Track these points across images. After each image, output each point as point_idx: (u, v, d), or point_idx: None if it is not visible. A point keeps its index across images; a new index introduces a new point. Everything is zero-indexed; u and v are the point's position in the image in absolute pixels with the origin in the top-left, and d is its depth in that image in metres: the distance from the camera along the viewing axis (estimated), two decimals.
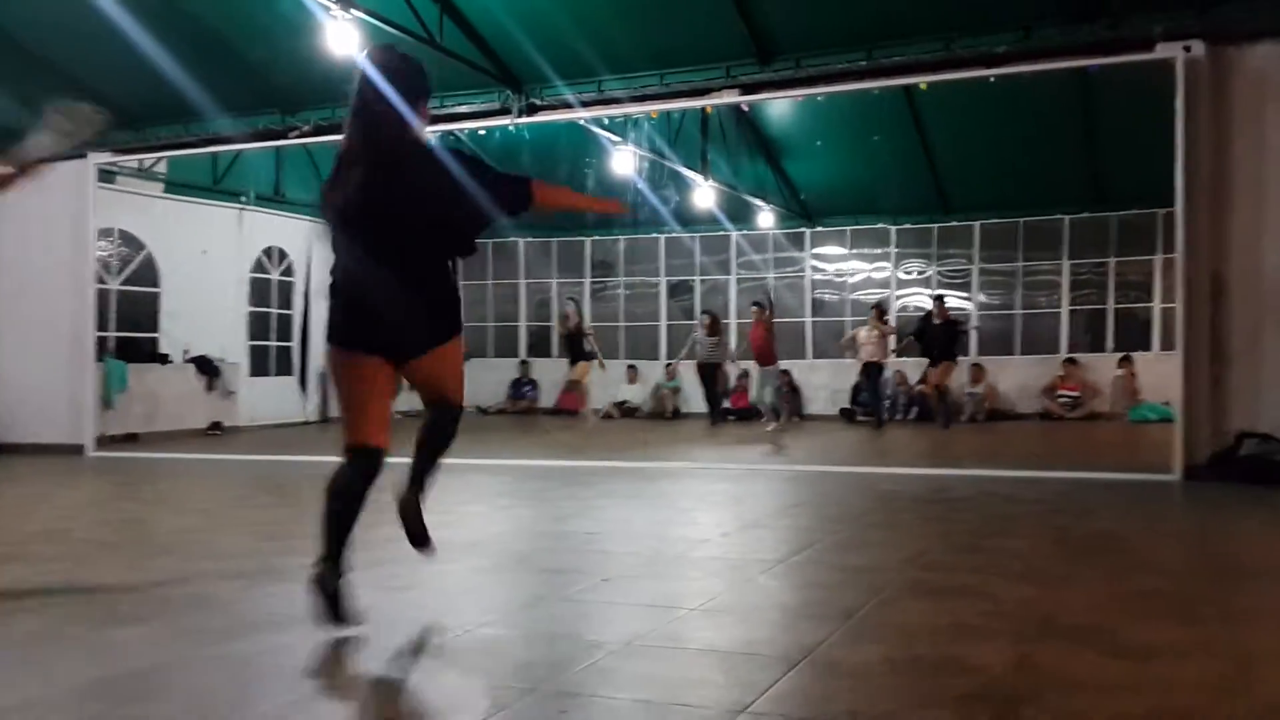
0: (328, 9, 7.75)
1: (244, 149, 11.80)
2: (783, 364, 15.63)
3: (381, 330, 3.32)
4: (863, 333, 13.50)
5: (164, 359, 12.76)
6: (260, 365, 14.38)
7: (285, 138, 10.66)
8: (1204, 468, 7.26)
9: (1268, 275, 7.34)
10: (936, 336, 12.95)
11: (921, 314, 14.16)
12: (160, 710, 2.65)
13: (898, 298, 16.24)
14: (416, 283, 3.36)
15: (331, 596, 3.24)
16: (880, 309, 13.93)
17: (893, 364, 14.56)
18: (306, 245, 14.43)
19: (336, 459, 3.32)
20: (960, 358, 15.12)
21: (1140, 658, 2.95)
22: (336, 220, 3.41)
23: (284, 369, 14.74)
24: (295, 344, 14.62)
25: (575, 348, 13.75)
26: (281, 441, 11.28)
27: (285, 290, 14.60)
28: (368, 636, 3.28)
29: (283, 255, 14.51)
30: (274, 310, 14.52)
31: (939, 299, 13.82)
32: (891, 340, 13.58)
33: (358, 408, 3.35)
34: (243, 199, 13.79)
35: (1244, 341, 7.40)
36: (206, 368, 13.01)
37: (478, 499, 6.84)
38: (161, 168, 12.96)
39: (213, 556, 4.59)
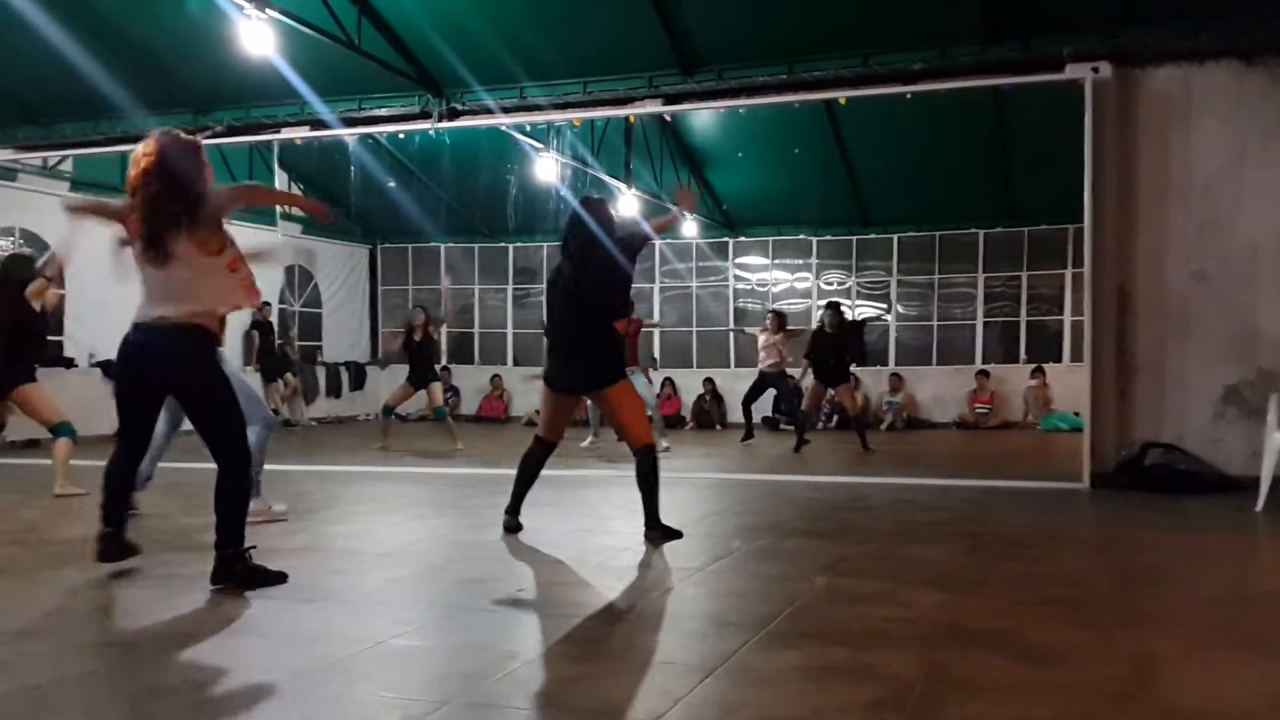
0: (241, 8, 7.58)
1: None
2: (706, 372, 15.78)
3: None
4: (761, 338, 12.34)
5: (69, 363, 12.32)
6: None
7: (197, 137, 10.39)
8: (1111, 476, 7.48)
9: (1171, 290, 7.60)
10: (826, 352, 11.23)
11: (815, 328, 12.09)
12: None
13: (818, 308, 16.45)
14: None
15: (513, 530, 5.35)
16: (778, 316, 12.55)
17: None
18: None
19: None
20: (878, 367, 15.42)
21: (1044, 662, 3.02)
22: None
23: None
24: None
25: (422, 361, 11.10)
26: (191, 447, 10.96)
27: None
28: (276, 650, 3.20)
29: None
30: None
31: (831, 306, 11.74)
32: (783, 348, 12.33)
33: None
34: None
35: (1148, 354, 7.65)
36: (113, 372, 12.60)
37: (393, 508, 6.74)
38: (67, 166, 12.54)
39: (116, 566, 4.43)
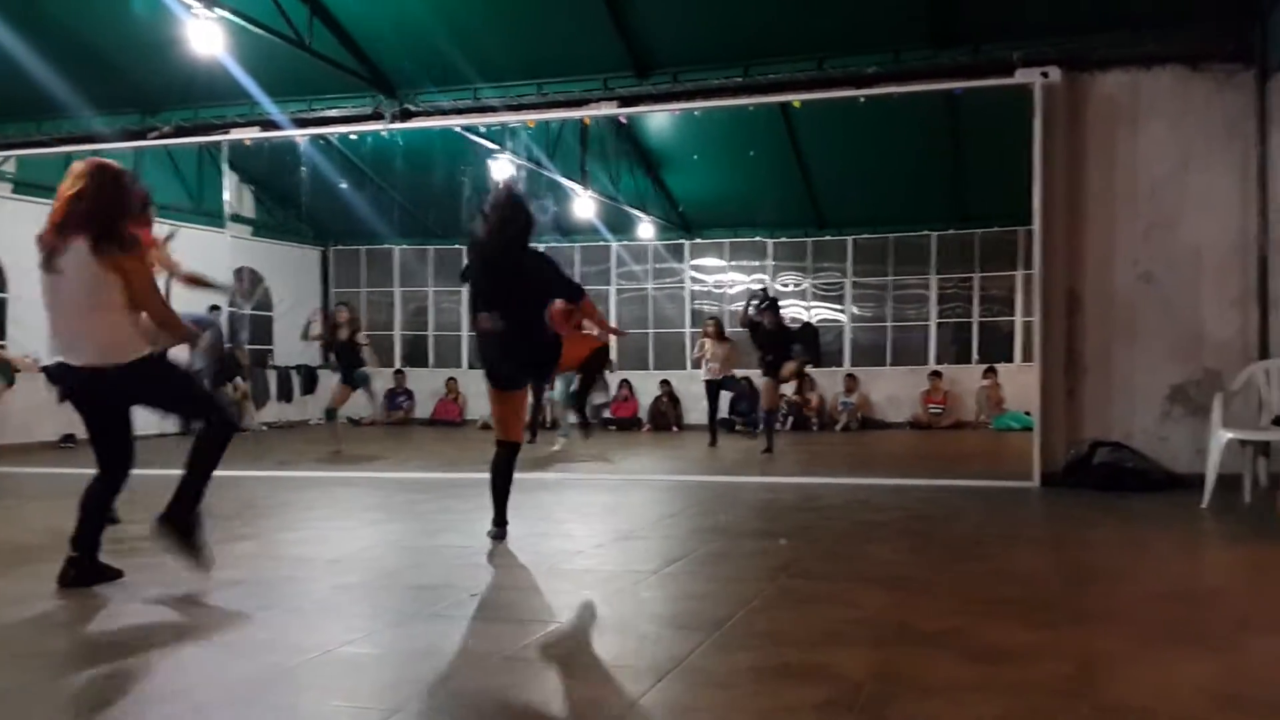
0: (189, 7, 7.47)
1: (101, 149, 11.22)
2: (664, 374, 15.80)
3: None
4: (709, 349, 12.24)
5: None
6: None
7: (144, 138, 10.23)
8: (1060, 475, 7.58)
9: (1118, 291, 7.73)
10: (765, 346, 10.96)
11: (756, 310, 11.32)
12: None
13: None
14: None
15: (501, 539, 5.17)
16: (717, 323, 12.61)
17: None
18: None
19: None
20: (833, 368, 15.51)
21: (993, 661, 3.04)
22: None
23: None
24: None
25: (349, 360, 10.99)
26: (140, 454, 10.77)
27: None
28: (223, 659, 3.15)
29: None
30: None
31: (771, 304, 11.29)
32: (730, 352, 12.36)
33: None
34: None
35: (1097, 354, 7.76)
36: (58, 378, 12.34)
37: (345, 514, 6.67)
38: (10, 166, 12.27)
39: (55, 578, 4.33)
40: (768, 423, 11.21)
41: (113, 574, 4.23)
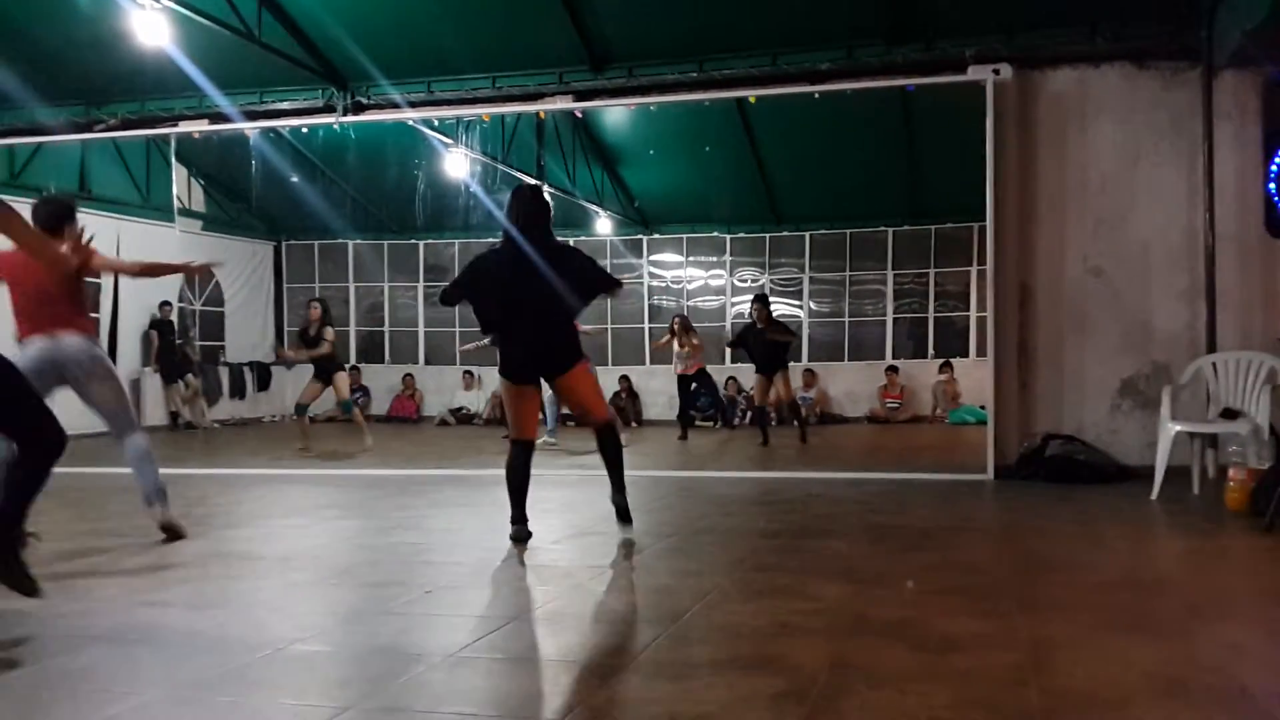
0: None
1: (44, 141, 11.03)
2: (622, 369, 15.80)
3: None
4: (675, 346, 12.59)
5: None
6: None
7: (90, 130, 10.03)
8: (1014, 467, 7.67)
9: (1069, 286, 7.83)
10: (757, 343, 11.46)
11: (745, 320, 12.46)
12: None
13: (733, 304, 16.60)
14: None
15: (523, 540, 5.00)
16: (684, 320, 12.88)
17: (726, 369, 14.90)
18: (114, 244, 13.61)
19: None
20: (791, 363, 15.58)
21: (944, 650, 3.07)
22: None
23: None
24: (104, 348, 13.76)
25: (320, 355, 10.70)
26: (85, 453, 10.58)
27: (91, 292, 13.66)
28: (168, 659, 3.09)
29: None
30: None
31: (759, 299, 11.85)
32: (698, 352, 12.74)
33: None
34: (43, 195, 12.87)
35: (1048, 348, 7.87)
36: None
37: (297, 510, 6.59)
38: None
39: None
40: (762, 419, 11.70)
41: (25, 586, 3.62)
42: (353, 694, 2.75)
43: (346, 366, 10.99)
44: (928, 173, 13.79)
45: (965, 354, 15.56)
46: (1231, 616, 3.69)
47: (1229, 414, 6.64)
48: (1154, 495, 6.43)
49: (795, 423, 11.85)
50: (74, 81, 9.85)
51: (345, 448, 10.93)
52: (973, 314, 15.58)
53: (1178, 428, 6.51)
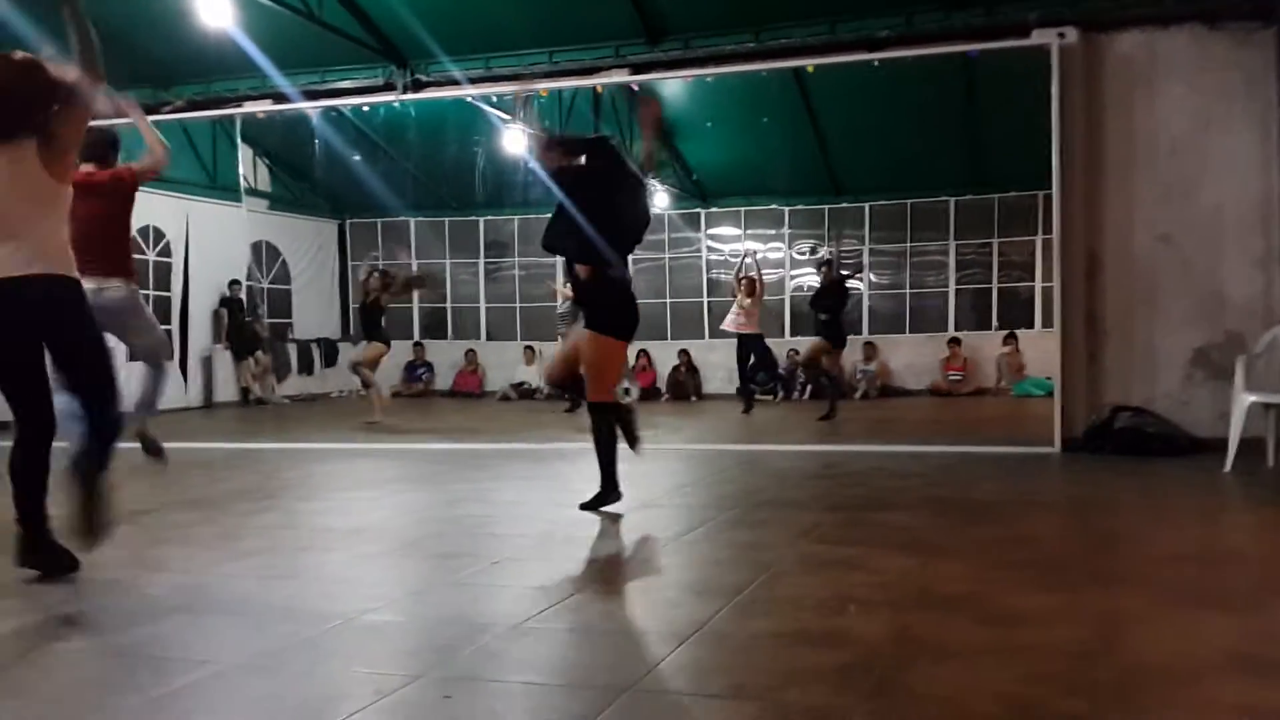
0: None
1: (113, 125, 11.25)
2: (681, 344, 15.78)
3: None
4: (741, 299, 12.51)
5: None
6: None
7: (158, 113, 10.23)
8: (1081, 440, 7.54)
9: (1138, 254, 7.65)
10: (826, 307, 11.49)
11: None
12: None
13: (792, 278, 16.47)
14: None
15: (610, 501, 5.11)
16: (750, 280, 12.72)
17: (787, 342, 14.83)
18: (184, 225, 13.92)
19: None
20: (852, 335, 15.43)
21: (1011, 624, 3.05)
22: None
23: None
24: (175, 327, 14.09)
25: (371, 324, 11.18)
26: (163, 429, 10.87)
27: (163, 272, 14.04)
28: (242, 628, 3.18)
29: (159, 235, 13.93)
30: (150, 292, 13.92)
31: (825, 263, 12.03)
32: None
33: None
34: None
35: (1117, 318, 7.70)
36: None
37: (364, 484, 6.71)
38: None
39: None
40: (833, 388, 11.43)
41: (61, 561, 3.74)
42: (423, 663, 2.82)
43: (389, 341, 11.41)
44: (990, 141, 13.51)
45: (1030, 325, 15.27)
46: None
47: None
48: (1227, 467, 6.29)
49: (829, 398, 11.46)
50: (141, 65, 10.05)
51: (408, 424, 11.10)
52: (1038, 284, 15.28)
53: (1252, 398, 6.35)
